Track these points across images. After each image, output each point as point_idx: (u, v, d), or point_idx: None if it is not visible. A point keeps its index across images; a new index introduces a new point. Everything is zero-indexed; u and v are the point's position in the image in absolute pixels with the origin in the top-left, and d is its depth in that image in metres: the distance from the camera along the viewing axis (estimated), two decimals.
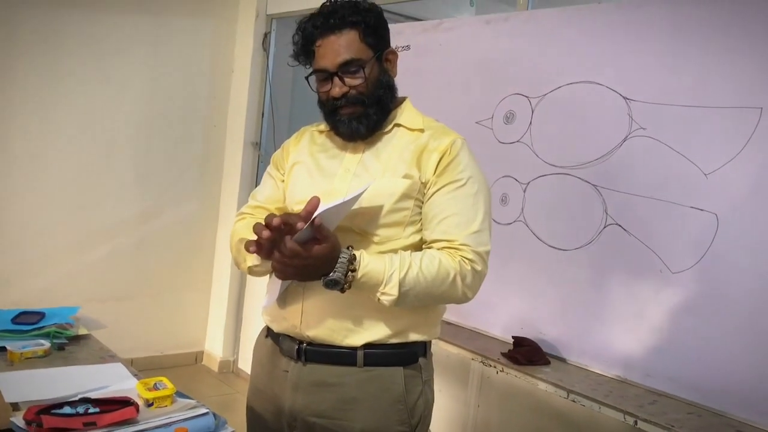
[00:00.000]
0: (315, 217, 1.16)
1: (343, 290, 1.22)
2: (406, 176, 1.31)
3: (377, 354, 1.33)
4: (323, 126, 1.44)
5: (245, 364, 4.11)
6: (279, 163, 1.48)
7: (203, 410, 1.32)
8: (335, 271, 1.20)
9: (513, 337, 2.23)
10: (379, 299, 1.25)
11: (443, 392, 2.80)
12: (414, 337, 1.35)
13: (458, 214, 1.30)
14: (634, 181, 2.00)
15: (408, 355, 1.37)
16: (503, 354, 2.14)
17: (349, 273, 1.21)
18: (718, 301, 1.80)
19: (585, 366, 2.10)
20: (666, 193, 1.93)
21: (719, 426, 1.68)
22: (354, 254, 1.22)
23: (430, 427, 2.77)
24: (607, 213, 2.07)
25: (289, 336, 1.36)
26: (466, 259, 1.28)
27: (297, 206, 1.35)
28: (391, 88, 1.37)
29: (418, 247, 1.34)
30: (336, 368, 1.33)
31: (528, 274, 2.31)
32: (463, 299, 1.31)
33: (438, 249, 1.29)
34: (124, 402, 1.28)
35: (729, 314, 1.77)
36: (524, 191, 2.33)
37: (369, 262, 1.23)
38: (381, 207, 1.29)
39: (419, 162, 1.32)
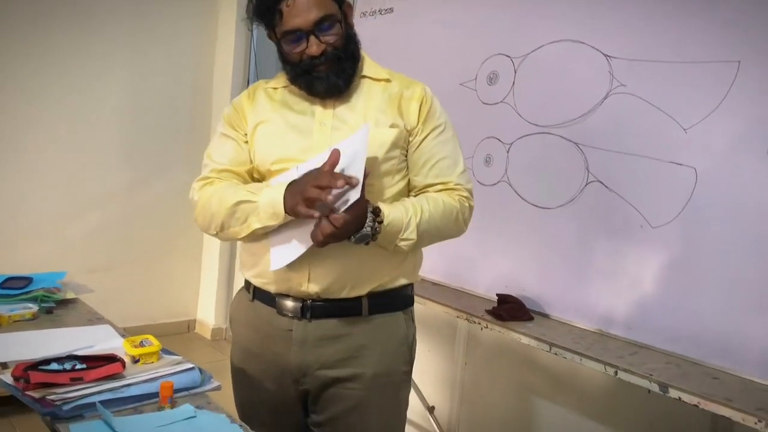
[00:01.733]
0: (354, 178, 1.17)
1: (368, 243, 1.25)
2: (392, 126, 1.34)
3: (380, 302, 1.37)
4: (275, 82, 1.43)
5: None
6: (236, 123, 1.41)
7: (189, 365, 1.33)
8: (366, 226, 1.23)
9: (497, 294, 2.23)
10: (396, 246, 1.30)
11: (432, 352, 2.84)
12: (403, 281, 1.40)
13: (447, 158, 1.37)
14: (615, 138, 2.01)
15: (404, 300, 1.44)
16: (488, 311, 2.15)
17: (376, 224, 1.24)
18: (696, 254, 1.81)
19: (567, 321, 2.11)
20: (646, 149, 1.93)
21: (697, 374, 1.70)
22: (377, 206, 1.26)
23: (422, 387, 2.82)
24: (588, 170, 2.08)
25: (288, 296, 1.36)
26: (463, 197, 1.38)
27: (275, 166, 1.34)
28: (357, 41, 1.39)
29: (404, 193, 1.39)
30: (342, 320, 1.36)
31: (512, 233, 2.32)
32: (461, 233, 1.41)
33: (435, 192, 1.36)
34: (111, 358, 1.29)
35: (707, 266, 1.79)
36: (507, 152, 2.33)
37: (390, 211, 1.27)
38: (375, 158, 1.31)
39: (400, 111, 1.35)
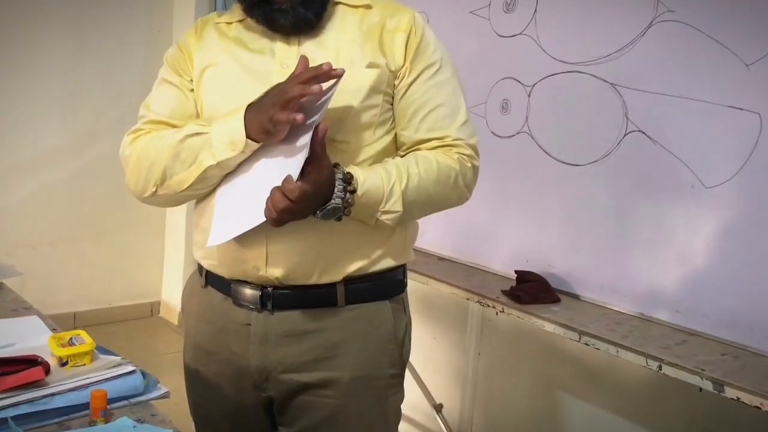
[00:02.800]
0: (316, 126, 1.11)
1: (340, 218, 1.20)
2: (370, 65, 1.27)
3: (360, 288, 1.32)
4: (228, 16, 1.37)
5: None
6: (180, 66, 1.36)
7: (129, 368, 1.27)
8: (334, 198, 1.18)
9: (516, 272, 2.20)
10: (377, 220, 1.25)
11: (438, 339, 2.82)
12: (390, 262, 1.35)
13: (444, 105, 1.31)
14: (660, 78, 1.94)
15: (392, 285, 1.38)
16: (504, 292, 2.13)
17: (348, 195, 1.19)
18: (760, 221, 1.76)
19: (601, 303, 2.08)
20: (698, 90, 1.87)
21: (760, 368, 1.65)
22: (348, 172, 1.20)
23: (427, 382, 2.80)
24: (627, 118, 2.03)
25: (246, 282, 1.32)
26: (464, 155, 1.31)
27: None
28: None
29: (391, 151, 1.33)
30: (312, 312, 1.31)
31: (533, 196, 2.28)
32: (463, 201, 1.36)
33: (429, 149, 1.30)
34: (31, 361, 1.23)
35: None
36: (529, 96, 2.28)
37: (366, 177, 1.22)
38: (349, 107, 1.25)
39: (381, 46, 1.28)
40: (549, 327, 1.94)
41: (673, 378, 1.67)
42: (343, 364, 1.32)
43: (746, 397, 1.53)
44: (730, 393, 1.56)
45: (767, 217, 1.75)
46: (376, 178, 1.23)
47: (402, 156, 1.32)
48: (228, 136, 1.19)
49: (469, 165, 1.32)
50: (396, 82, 1.30)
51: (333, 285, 1.30)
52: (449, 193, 1.32)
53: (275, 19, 1.27)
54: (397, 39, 1.29)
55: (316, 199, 1.15)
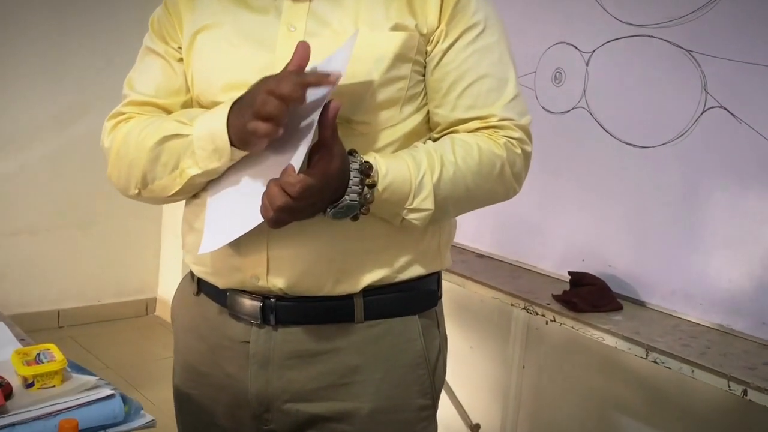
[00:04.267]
0: (333, 75, 1.05)
1: (356, 218, 1.14)
2: (396, 27, 1.19)
3: (382, 300, 1.26)
4: None
5: None
6: (166, 31, 1.30)
7: (106, 391, 1.22)
8: (349, 193, 1.11)
9: (570, 273, 2.18)
10: (403, 220, 1.19)
11: (476, 349, 2.82)
12: (420, 270, 1.28)
13: (488, 77, 1.24)
14: (747, 43, 1.89)
15: (422, 297, 1.32)
16: (556, 297, 2.09)
17: (366, 190, 1.12)
18: None
19: (672, 312, 2.05)
20: None
21: None
22: (367, 161, 1.13)
23: (462, 399, 2.75)
24: (706, 91, 1.97)
25: (245, 291, 1.27)
26: (513, 139, 1.24)
27: (224, 96, 1.22)
28: None
29: (421, 134, 1.26)
30: (324, 328, 1.26)
31: (591, 183, 2.25)
32: (510, 195, 1.30)
33: (469, 132, 1.23)
34: None
35: None
36: (587, 64, 2.25)
37: (388, 168, 1.15)
38: (369, 80, 1.19)
39: (410, 3, 1.21)
40: (610, 340, 1.89)
41: (759, 405, 1.61)
42: (361, 393, 1.26)
43: None
44: None
45: None
46: (401, 169, 1.16)
47: (435, 140, 1.25)
48: (211, 142, 1.15)
49: (519, 151, 1.25)
50: (428, 48, 1.23)
51: (350, 297, 1.24)
52: (493, 187, 1.25)
53: None
54: None
55: (324, 194, 1.09)
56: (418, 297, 1.31)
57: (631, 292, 2.12)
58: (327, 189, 1.08)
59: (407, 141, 1.23)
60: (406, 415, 1.30)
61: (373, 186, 1.12)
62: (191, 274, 1.36)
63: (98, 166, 4.00)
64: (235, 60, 1.22)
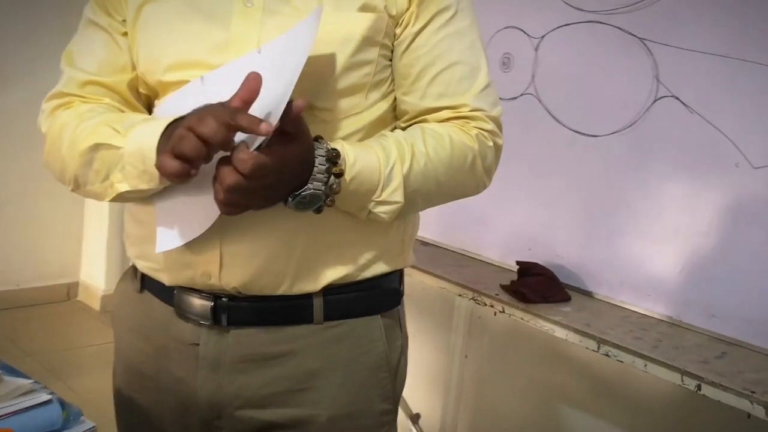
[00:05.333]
0: (290, 103, 0.97)
1: (320, 210, 1.08)
2: (364, 8, 1.13)
3: (343, 300, 1.21)
4: None
5: None
6: (110, 3, 1.21)
7: (43, 396, 1.14)
8: (312, 181, 1.04)
9: (518, 262, 2.16)
10: (370, 213, 1.14)
11: (417, 338, 2.76)
12: (384, 268, 1.24)
13: (459, 64, 1.20)
14: (701, 32, 1.88)
15: (385, 296, 1.28)
16: (504, 287, 2.08)
17: (332, 180, 1.06)
18: None
19: (620, 303, 2.04)
20: (748, 49, 1.80)
21: None
22: (334, 148, 1.07)
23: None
24: (658, 80, 1.97)
25: (194, 289, 1.20)
26: (485, 131, 1.21)
27: (170, 76, 1.15)
28: None
29: (387, 123, 1.22)
30: (280, 330, 1.20)
31: (539, 171, 2.25)
32: (480, 189, 1.27)
33: (439, 122, 1.19)
34: None
35: None
36: (536, 50, 2.24)
37: (356, 156, 1.09)
38: (333, 64, 1.13)
39: None
40: (560, 332, 1.88)
41: (714, 400, 1.60)
42: (319, 399, 1.21)
43: None
44: None
45: None
46: (370, 158, 1.10)
47: (403, 129, 1.21)
48: (141, 162, 1.06)
49: (491, 144, 1.21)
50: (397, 31, 1.17)
51: (308, 296, 1.19)
52: (464, 180, 1.21)
53: None
54: None
55: (282, 178, 1.01)
56: (380, 296, 1.27)
57: (578, 282, 2.12)
58: (286, 173, 1.01)
59: (373, 130, 1.18)
60: (366, 422, 1.26)
61: (340, 175, 1.06)
62: (134, 268, 1.29)
63: (13, 143, 3.91)
64: (185, 36, 1.14)
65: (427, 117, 1.20)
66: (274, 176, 0.99)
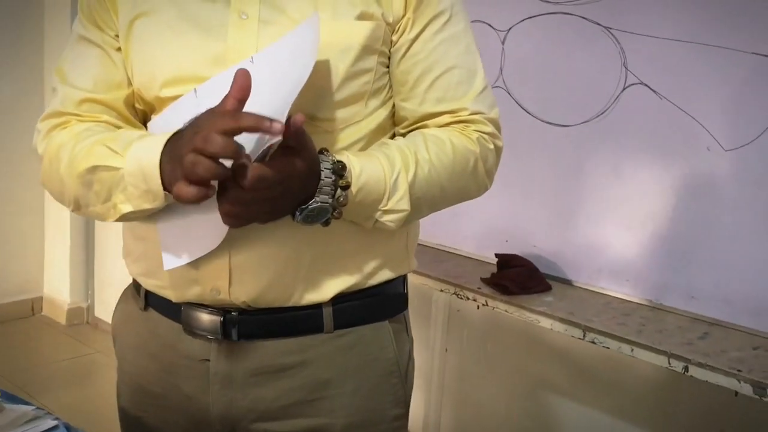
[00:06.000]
0: (290, 118, 0.94)
1: (327, 222, 1.07)
2: (362, 16, 1.12)
3: (352, 307, 1.19)
4: None
5: (105, 311, 3.96)
6: (100, 17, 1.18)
7: (49, 422, 1.14)
8: (319, 194, 1.03)
9: (497, 255, 2.16)
10: (376, 222, 1.13)
11: None
12: (389, 274, 1.23)
13: (457, 68, 1.18)
14: (667, 19, 1.90)
15: (392, 301, 1.27)
16: (485, 280, 2.08)
17: (339, 192, 1.04)
18: None
19: (600, 290, 2.06)
20: (714, 34, 1.82)
21: None
22: (340, 160, 1.05)
23: None
24: (626, 68, 1.98)
25: (202, 305, 1.18)
26: (485, 134, 1.19)
27: (167, 91, 1.13)
28: None
29: (387, 130, 1.20)
30: (291, 341, 1.18)
31: (512, 163, 2.16)
32: (482, 191, 1.26)
33: (439, 127, 1.18)
34: None
35: None
36: (503, 42, 2.22)
37: (362, 167, 1.07)
38: (334, 74, 1.11)
39: None
40: (546, 323, 1.88)
41: (701, 380, 1.63)
42: (334, 408, 1.20)
43: None
44: None
45: None
46: (375, 168, 1.09)
47: (403, 135, 1.20)
48: (143, 182, 1.04)
49: (491, 147, 1.20)
50: (394, 38, 1.16)
51: (318, 306, 1.17)
52: (467, 184, 1.20)
53: None
54: None
55: (286, 191, 1.00)
56: (387, 302, 1.25)
57: (557, 271, 2.13)
58: (290, 186, 0.99)
59: (373, 138, 1.17)
60: (380, 428, 1.25)
61: (346, 187, 1.05)
62: (135, 286, 1.26)
63: None
64: (181, 50, 1.12)
65: (427, 122, 1.19)
66: (276, 189, 0.98)
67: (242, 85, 0.95)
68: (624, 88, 1.98)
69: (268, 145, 0.94)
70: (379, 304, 1.23)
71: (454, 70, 1.17)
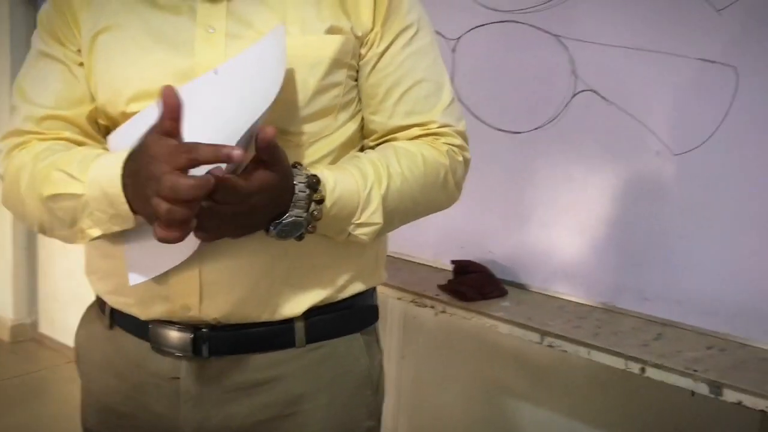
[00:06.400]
0: (259, 132, 0.93)
1: (301, 237, 1.05)
2: (331, 30, 1.12)
3: (324, 321, 1.18)
4: None
5: (50, 327, 3.87)
6: (61, 32, 1.16)
7: None
8: (293, 208, 1.02)
9: (453, 262, 2.16)
10: (349, 236, 1.12)
11: None
12: (361, 286, 1.23)
13: (425, 81, 1.19)
14: (615, 27, 1.92)
15: (363, 314, 1.27)
16: (442, 287, 2.06)
17: (314, 206, 1.04)
18: (738, 192, 1.77)
19: (554, 293, 2.07)
20: (660, 41, 1.85)
21: (752, 361, 1.65)
22: (314, 174, 1.04)
23: None
24: (576, 75, 2.00)
25: (170, 322, 1.15)
26: (454, 146, 1.21)
27: (133, 107, 1.10)
28: None
29: (355, 142, 1.20)
30: (263, 356, 1.17)
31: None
32: (452, 203, 1.27)
33: (409, 139, 1.19)
34: None
35: (753, 207, 1.75)
36: (453, 51, 2.24)
37: (336, 181, 1.07)
38: (305, 88, 1.10)
39: (343, 2, 1.13)
40: (504, 328, 1.87)
41: (657, 381, 1.64)
42: (308, 423, 1.19)
43: (749, 400, 1.51)
44: (731, 396, 1.53)
45: (746, 188, 1.75)
46: (348, 182, 1.08)
47: (372, 148, 1.19)
48: (110, 207, 1.02)
49: (461, 159, 1.22)
50: (362, 52, 1.16)
51: (290, 320, 1.16)
52: (437, 196, 1.21)
53: None
54: None
55: (259, 205, 0.98)
56: (359, 314, 1.25)
57: (512, 276, 2.13)
58: (263, 199, 0.98)
59: (342, 151, 1.16)
60: None
61: (321, 201, 1.04)
62: (99, 304, 1.23)
63: None
64: (147, 65, 1.09)
65: (397, 135, 1.19)
66: (249, 202, 0.97)
67: (170, 104, 0.92)
68: (574, 95, 1.99)
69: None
70: (351, 317, 1.23)
71: (422, 83, 1.18)
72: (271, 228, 1.02)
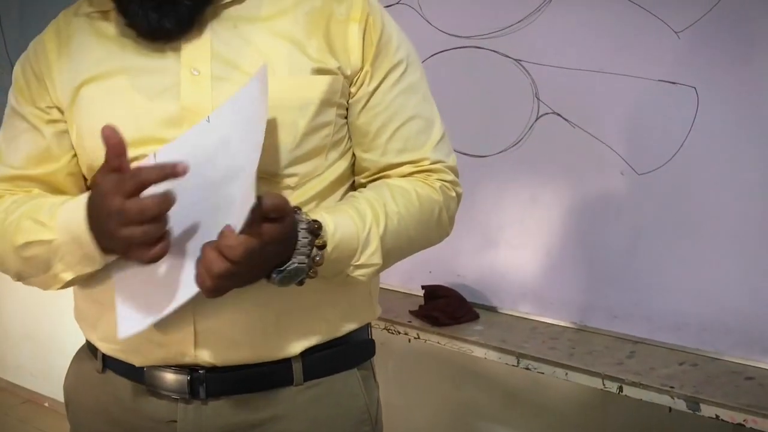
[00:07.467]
0: (258, 198, 0.92)
1: (302, 282, 1.03)
2: (319, 71, 1.11)
3: (321, 358, 1.18)
4: (98, 2, 1.15)
5: (1, 367, 3.76)
6: (34, 92, 1.15)
7: None
8: (296, 255, 1.00)
9: (423, 287, 2.15)
10: (348, 277, 1.11)
11: None
12: (356, 323, 1.23)
13: (416, 118, 1.19)
14: (575, 51, 1.94)
15: (360, 349, 1.27)
16: (414, 313, 2.07)
17: (315, 251, 1.02)
18: (701, 210, 1.80)
19: (525, 315, 2.07)
20: (621, 64, 1.87)
21: (724, 375, 1.68)
22: (316, 220, 1.02)
23: None
24: (538, 99, 2.01)
25: (167, 366, 1.14)
26: (447, 182, 1.21)
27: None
28: None
29: (345, 180, 1.20)
30: (261, 396, 1.16)
31: None
32: (444, 237, 1.27)
33: (402, 177, 1.19)
34: None
35: (718, 225, 1.77)
36: None
37: (336, 225, 1.05)
38: (295, 130, 1.10)
39: (330, 41, 1.12)
40: (480, 352, 1.88)
41: (635, 399, 1.66)
42: None
43: (726, 414, 1.54)
44: (708, 411, 1.56)
45: (710, 206, 1.78)
46: (348, 224, 1.07)
47: (364, 185, 1.19)
48: (78, 248, 1.03)
49: (454, 194, 1.22)
50: (352, 90, 1.15)
51: (287, 360, 1.15)
52: (431, 232, 1.21)
53: (128, 13, 1.07)
54: (350, 32, 1.13)
55: (266, 257, 0.97)
56: (355, 349, 1.25)
57: (482, 299, 2.13)
58: (271, 252, 0.97)
59: (332, 189, 1.16)
60: None
61: (323, 247, 1.03)
62: (90, 348, 1.21)
63: None
64: (135, 113, 1.08)
65: (389, 172, 1.18)
66: (259, 258, 0.96)
67: (113, 143, 0.93)
68: (537, 118, 2.01)
69: (249, 211, 0.91)
70: (348, 353, 1.22)
71: (413, 120, 1.18)
72: (274, 275, 1.00)
